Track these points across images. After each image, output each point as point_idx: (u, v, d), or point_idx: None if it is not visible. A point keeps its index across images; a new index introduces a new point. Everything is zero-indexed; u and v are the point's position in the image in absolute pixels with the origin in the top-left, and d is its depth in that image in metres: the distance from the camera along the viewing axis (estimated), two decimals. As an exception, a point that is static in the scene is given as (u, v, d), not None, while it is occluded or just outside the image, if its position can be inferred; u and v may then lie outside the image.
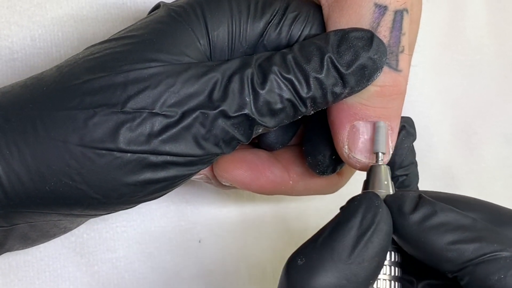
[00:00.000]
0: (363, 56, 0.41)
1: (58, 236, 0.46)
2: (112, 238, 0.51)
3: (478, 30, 0.61)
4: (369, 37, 0.41)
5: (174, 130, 0.40)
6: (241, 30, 0.42)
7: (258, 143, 0.48)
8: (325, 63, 0.41)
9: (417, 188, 0.47)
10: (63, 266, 0.51)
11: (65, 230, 0.45)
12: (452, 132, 0.60)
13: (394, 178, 0.46)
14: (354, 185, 0.43)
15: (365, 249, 0.37)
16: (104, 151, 0.39)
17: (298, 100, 0.41)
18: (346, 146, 0.43)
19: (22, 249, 0.45)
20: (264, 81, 0.41)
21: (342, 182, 0.49)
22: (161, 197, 0.42)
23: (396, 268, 0.40)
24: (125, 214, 0.52)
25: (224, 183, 0.47)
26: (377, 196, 0.39)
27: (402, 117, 0.44)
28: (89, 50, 0.41)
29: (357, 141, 0.43)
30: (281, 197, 0.50)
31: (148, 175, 0.40)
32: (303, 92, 0.41)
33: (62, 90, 0.40)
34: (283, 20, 0.43)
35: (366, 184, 0.42)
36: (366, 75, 0.41)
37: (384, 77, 0.42)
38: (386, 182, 0.41)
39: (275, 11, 0.43)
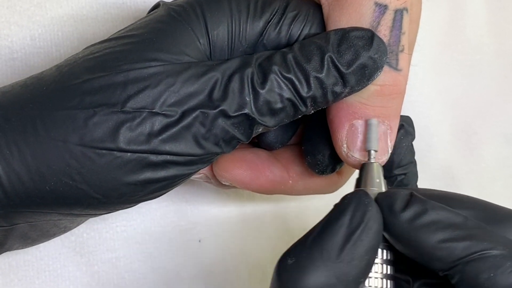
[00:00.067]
0: (364, 56, 0.41)
1: (58, 236, 0.46)
2: (112, 237, 0.51)
3: (478, 29, 0.61)
4: (369, 37, 0.41)
5: (174, 130, 0.40)
6: (241, 29, 0.42)
7: (257, 143, 0.48)
8: (325, 63, 0.41)
9: (417, 187, 0.47)
10: (63, 265, 0.50)
11: (65, 229, 0.45)
12: (452, 132, 0.60)
13: (392, 177, 0.46)
14: (353, 184, 0.43)
15: (355, 247, 0.37)
16: (104, 151, 0.39)
17: (298, 100, 0.41)
18: (345, 145, 0.43)
19: (22, 248, 0.45)
20: (264, 80, 0.40)
21: (342, 182, 0.49)
22: (161, 197, 0.43)
23: (388, 266, 0.40)
24: (125, 214, 0.52)
25: (223, 183, 0.47)
26: (367, 194, 0.39)
27: (401, 116, 0.44)
28: (89, 50, 0.41)
29: (356, 140, 0.43)
30: (281, 196, 0.50)
31: (148, 174, 0.40)
32: (304, 91, 0.41)
33: (62, 90, 0.40)
34: (282, 19, 0.43)
35: (358, 182, 0.42)
36: (366, 75, 0.41)
37: (384, 76, 0.42)
38: (378, 180, 0.41)
39: (275, 10, 0.43)
